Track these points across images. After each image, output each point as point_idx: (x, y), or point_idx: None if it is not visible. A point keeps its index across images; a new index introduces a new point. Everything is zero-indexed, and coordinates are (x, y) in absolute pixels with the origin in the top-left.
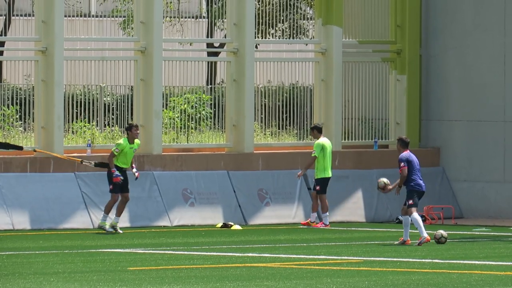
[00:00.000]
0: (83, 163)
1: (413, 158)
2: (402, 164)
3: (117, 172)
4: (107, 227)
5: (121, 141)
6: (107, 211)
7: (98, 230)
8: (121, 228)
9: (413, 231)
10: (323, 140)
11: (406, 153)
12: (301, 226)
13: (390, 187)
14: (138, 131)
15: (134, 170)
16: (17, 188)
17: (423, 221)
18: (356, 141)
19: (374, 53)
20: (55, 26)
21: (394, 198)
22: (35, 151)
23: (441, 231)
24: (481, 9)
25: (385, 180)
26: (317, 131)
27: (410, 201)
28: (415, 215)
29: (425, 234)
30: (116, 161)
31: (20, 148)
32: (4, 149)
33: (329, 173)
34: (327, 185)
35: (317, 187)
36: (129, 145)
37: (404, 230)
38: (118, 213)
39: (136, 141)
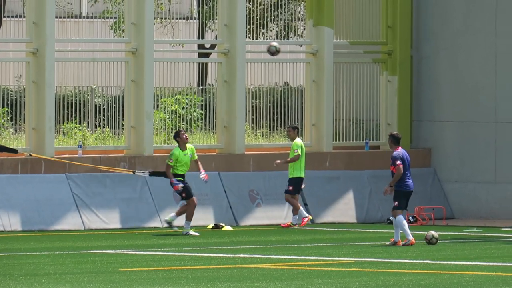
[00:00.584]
0: (136, 173)
1: (406, 156)
2: (398, 162)
3: (175, 181)
4: (191, 231)
5: (174, 151)
6: (189, 218)
7: (88, 231)
8: (112, 229)
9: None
10: (300, 141)
11: (399, 151)
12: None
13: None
14: (186, 136)
15: (202, 173)
16: (8, 189)
17: (415, 222)
18: (347, 142)
19: (365, 54)
20: (46, 27)
21: (386, 199)
22: (30, 155)
23: (432, 232)
24: (472, 10)
25: (275, 44)
26: (297, 131)
27: (396, 203)
28: (400, 217)
29: (410, 237)
30: (176, 170)
31: (15, 151)
32: None
33: (303, 174)
34: (300, 185)
35: (290, 188)
36: (182, 152)
37: (395, 231)
38: (178, 213)
39: (188, 146)
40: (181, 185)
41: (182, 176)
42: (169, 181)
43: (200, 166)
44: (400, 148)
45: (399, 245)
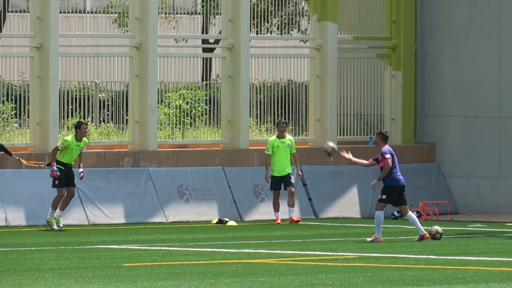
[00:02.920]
0: (41, 166)
1: (394, 152)
2: (387, 155)
3: (55, 167)
4: (54, 224)
5: (68, 137)
6: (54, 206)
7: (92, 226)
8: (117, 224)
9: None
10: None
11: (388, 147)
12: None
13: (350, 156)
14: (87, 130)
15: (81, 170)
16: (12, 185)
17: (418, 217)
18: (351, 137)
19: (369, 49)
20: (50, 22)
21: None
22: (19, 159)
23: (436, 227)
24: (477, 5)
25: (331, 144)
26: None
27: (383, 196)
28: (379, 213)
29: (379, 235)
30: (61, 157)
31: (10, 154)
32: None
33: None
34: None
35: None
36: (75, 142)
37: (416, 226)
38: (62, 207)
39: (84, 139)
40: (58, 172)
41: (65, 165)
42: (50, 164)
43: (81, 164)
44: (387, 145)
45: (426, 238)
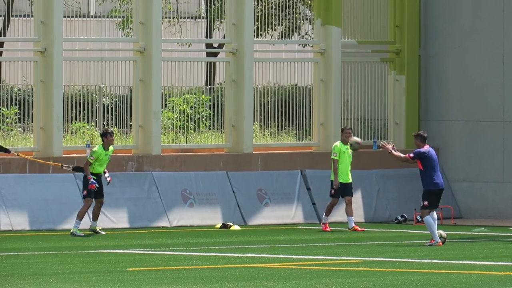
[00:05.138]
0: (63, 167)
1: (432, 153)
2: (411, 154)
3: (92, 179)
4: (79, 233)
5: (96, 148)
6: (80, 217)
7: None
8: (121, 229)
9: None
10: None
11: (425, 148)
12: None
13: (389, 148)
14: (113, 138)
15: (107, 175)
16: (16, 189)
17: (422, 221)
18: None
19: (373, 53)
20: (54, 26)
21: (393, 198)
22: (18, 155)
23: (440, 231)
24: (480, 9)
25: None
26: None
27: (425, 203)
28: (428, 218)
29: (437, 239)
30: (92, 169)
31: (8, 151)
32: None
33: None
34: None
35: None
36: (104, 152)
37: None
38: (95, 218)
39: (111, 147)
40: (97, 185)
41: (98, 175)
42: (86, 177)
43: (106, 169)
44: (427, 146)
45: (440, 246)
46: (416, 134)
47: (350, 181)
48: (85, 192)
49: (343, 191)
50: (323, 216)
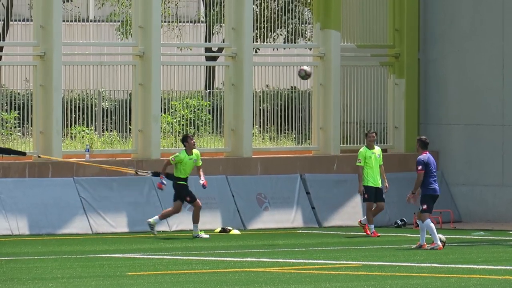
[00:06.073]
0: (139, 173)
1: (431, 160)
2: (419, 167)
3: (164, 180)
4: (202, 234)
5: (179, 153)
6: (196, 221)
7: (96, 235)
8: (120, 233)
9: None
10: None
11: (425, 155)
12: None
13: (411, 196)
14: (194, 141)
15: (201, 180)
16: (16, 193)
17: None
18: (354, 145)
19: (373, 57)
20: (53, 31)
21: (393, 202)
22: (39, 156)
23: (440, 235)
24: (480, 13)
25: (305, 68)
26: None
27: (424, 206)
28: (428, 221)
29: (438, 242)
30: (177, 173)
31: (23, 154)
32: (6, 154)
33: (369, 182)
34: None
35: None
36: (187, 156)
37: (420, 235)
38: (195, 221)
39: (194, 151)
40: (165, 184)
41: (185, 179)
42: (159, 175)
43: (202, 173)
44: (427, 152)
45: (424, 248)
46: (418, 138)
47: (381, 185)
48: (188, 199)
49: (375, 195)
50: (369, 225)
